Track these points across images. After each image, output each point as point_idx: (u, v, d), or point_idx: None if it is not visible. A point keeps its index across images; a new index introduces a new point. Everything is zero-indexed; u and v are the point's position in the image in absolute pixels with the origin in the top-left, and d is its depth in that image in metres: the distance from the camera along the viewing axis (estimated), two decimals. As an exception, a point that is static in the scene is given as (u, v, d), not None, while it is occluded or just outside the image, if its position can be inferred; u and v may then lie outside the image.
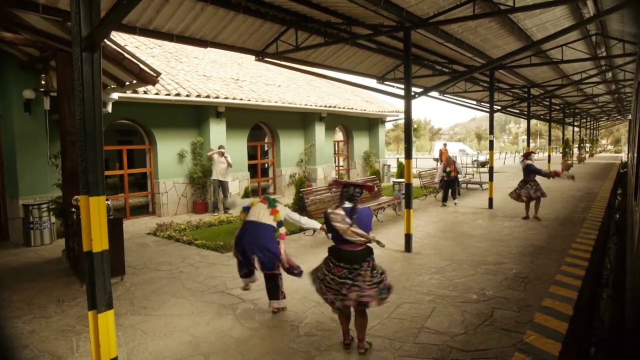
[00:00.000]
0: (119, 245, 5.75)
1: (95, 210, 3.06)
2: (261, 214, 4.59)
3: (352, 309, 3.79)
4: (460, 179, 11.89)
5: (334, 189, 7.71)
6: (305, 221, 4.93)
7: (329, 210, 3.73)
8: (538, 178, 9.67)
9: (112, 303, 3.19)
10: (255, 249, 4.39)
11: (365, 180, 10.66)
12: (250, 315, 4.62)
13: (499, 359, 3.62)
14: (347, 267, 3.60)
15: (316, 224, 4.86)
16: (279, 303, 4.65)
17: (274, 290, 4.63)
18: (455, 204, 11.78)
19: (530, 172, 9.60)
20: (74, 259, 6.15)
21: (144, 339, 4.11)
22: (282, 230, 4.62)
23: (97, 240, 3.07)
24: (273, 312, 4.62)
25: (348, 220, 3.59)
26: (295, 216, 4.87)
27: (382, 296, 3.63)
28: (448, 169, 11.66)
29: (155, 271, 6.27)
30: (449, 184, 11.77)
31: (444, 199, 11.80)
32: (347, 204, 3.75)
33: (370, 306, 3.60)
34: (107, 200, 4.64)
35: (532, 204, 9.72)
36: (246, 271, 4.68)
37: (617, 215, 13.86)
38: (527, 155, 10.07)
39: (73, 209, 6.00)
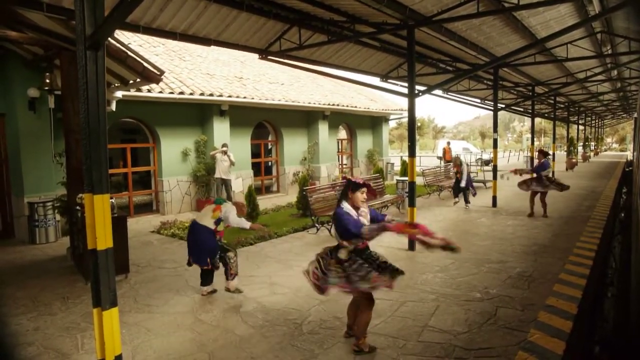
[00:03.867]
0: (123, 243, 5.77)
1: (99, 208, 3.07)
2: (203, 214, 5.16)
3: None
4: (462, 185, 11.39)
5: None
6: (237, 222, 5.21)
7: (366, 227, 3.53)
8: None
9: (117, 301, 3.20)
10: (192, 246, 5.09)
11: (368, 179, 10.66)
12: (254, 313, 4.63)
13: (502, 357, 3.62)
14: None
15: (246, 224, 5.19)
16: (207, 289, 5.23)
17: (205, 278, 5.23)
18: (455, 202, 11.47)
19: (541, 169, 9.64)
20: (79, 256, 6.18)
21: (148, 336, 4.13)
22: (220, 227, 5.10)
23: (102, 238, 3.08)
24: (202, 295, 5.17)
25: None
26: (234, 220, 5.13)
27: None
28: (454, 170, 11.46)
29: (159, 269, 6.30)
30: (457, 185, 11.42)
31: (456, 195, 11.45)
32: (340, 204, 3.68)
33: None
34: (111, 198, 4.67)
35: (537, 200, 9.73)
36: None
37: (622, 214, 13.78)
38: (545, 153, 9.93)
39: (78, 207, 6.03)
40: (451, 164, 11.77)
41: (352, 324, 3.88)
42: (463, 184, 11.14)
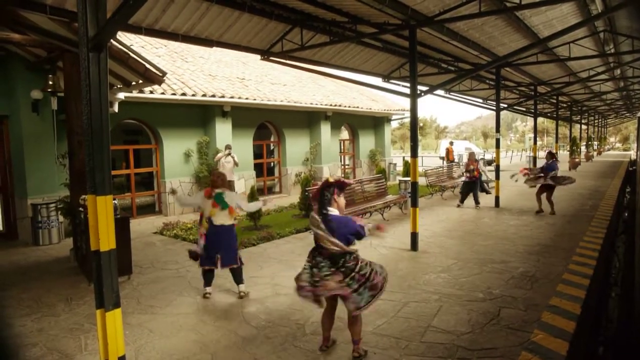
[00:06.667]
0: (126, 244, 5.79)
1: (102, 210, 3.08)
2: (220, 217, 5.04)
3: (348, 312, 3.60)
4: (483, 179, 11.39)
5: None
6: (252, 206, 5.77)
7: (311, 214, 3.54)
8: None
9: (120, 302, 3.21)
10: (218, 249, 5.02)
11: (370, 179, 10.66)
12: (256, 313, 4.63)
13: (505, 358, 3.60)
14: (328, 264, 3.44)
15: (258, 204, 5.94)
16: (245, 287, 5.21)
17: (239, 276, 5.20)
18: (478, 208, 11.04)
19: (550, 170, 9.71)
20: (82, 257, 6.20)
21: (151, 337, 4.13)
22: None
23: (105, 239, 3.09)
24: (240, 297, 5.09)
25: (322, 226, 3.36)
26: (243, 205, 5.39)
27: (359, 301, 3.35)
28: (471, 167, 11.11)
29: (161, 270, 6.31)
30: (470, 186, 11.15)
31: (462, 200, 11.30)
32: (326, 210, 3.47)
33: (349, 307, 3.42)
34: (114, 199, 4.68)
35: (544, 198, 9.78)
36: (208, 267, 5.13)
37: (626, 214, 13.74)
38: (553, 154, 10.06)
39: (81, 209, 6.04)
40: (460, 163, 11.69)
41: (329, 335, 3.77)
42: (485, 177, 11.21)
